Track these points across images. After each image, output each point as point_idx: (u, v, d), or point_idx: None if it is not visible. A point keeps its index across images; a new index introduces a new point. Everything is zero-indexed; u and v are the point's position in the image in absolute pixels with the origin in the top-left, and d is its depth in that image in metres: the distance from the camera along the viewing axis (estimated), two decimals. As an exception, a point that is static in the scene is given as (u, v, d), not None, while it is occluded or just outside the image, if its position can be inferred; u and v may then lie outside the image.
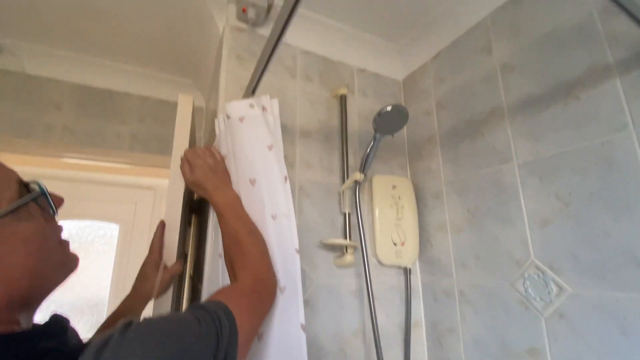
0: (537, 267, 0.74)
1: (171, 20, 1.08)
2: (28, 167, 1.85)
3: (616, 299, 0.62)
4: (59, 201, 0.38)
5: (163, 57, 1.29)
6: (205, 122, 1.46)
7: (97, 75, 1.32)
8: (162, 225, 0.73)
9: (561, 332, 0.69)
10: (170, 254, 0.71)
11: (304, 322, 0.58)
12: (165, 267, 0.69)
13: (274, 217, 0.62)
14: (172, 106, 1.47)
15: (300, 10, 1.09)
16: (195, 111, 1.47)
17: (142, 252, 2.33)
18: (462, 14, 0.99)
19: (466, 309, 0.90)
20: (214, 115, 1.10)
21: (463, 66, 0.99)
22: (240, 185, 0.67)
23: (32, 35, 1.15)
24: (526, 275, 0.76)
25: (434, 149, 1.06)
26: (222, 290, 0.48)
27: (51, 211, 0.37)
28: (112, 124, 1.31)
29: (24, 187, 0.34)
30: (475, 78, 0.94)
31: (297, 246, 0.63)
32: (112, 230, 2.36)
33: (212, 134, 1.02)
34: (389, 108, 0.80)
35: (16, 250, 0.30)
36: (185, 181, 0.70)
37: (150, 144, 1.39)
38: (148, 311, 0.68)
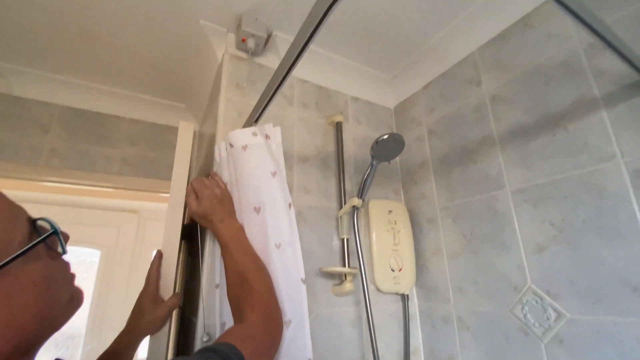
0: (535, 293, 0.75)
1: (169, 47, 1.09)
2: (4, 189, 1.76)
3: (613, 323, 0.63)
4: (66, 238, 0.37)
5: (158, 82, 1.29)
6: (197, 145, 1.45)
7: (88, 98, 1.30)
8: (159, 256, 0.71)
9: (561, 357, 0.69)
10: (167, 286, 0.68)
11: (311, 357, 0.56)
12: (162, 301, 0.66)
13: (277, 247, 0.61)
14: (164, 129, 1.47)
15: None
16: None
17: (124, 279, 2.22)
18: (450, 48, 1.05)
19: (465, 336, 0.89)
20: (208, 139, 1.10)
21: (453, 96, 1.04)
22: (243, 213, 0.66)
23: (21, 57, 1.12)
24: (524, 301, 0.77)
25: (426, 175, 1.09)
26: (231, 331, 0.46)
27: (61, 250, 0.35)
28: (102, 147, 1.28)
29: (32, 224, 0.33)
30: (465, 108, 0.99)
31: (302, 276, 0.62)
32: (92, 256, 2.25)
33: (208, 158, 1.02)
34: (385, 136, 0.82)
35: (25, 292, 0.28)
36: (190, 212, 0.69)
37: (140, 167, 1.36)
38: (143, 348, 0.64)
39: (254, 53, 1.02)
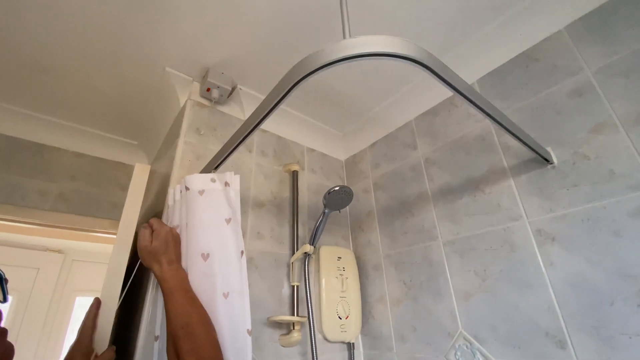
0: (465, 338, 0.82)
1: (130, 87, 1.10)
2: None
3: (528, 366, 0.71)
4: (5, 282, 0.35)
5: (112, 118, 1.27)
6: (148, 184, 1.40)
7: (27, 127, 1.22)
8: (97, 304, 0.65)
9: (489, 402, 0.75)
10: (103, 337, 0.63)
11: None
12: (96, 355, 0.60)
13: (225, 296, 0.61)
14: (111, 165, 1.41)
15: (261, 95, 1.20)
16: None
17: (37, 329, 1.90)
18: (393, 115, 1.21)
19: (407, 384, 0.92)
20: (161, 179, 1.09)
21: (394, 155, 1.18)
22: (189, 259, 0.65)
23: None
24: (457, 346, 0.83)
25: (372, 223, 1.18)
26: None
27: (2, 298, 0.33)
28: (37, 180, 1.18)
29: None
30: (404, 166, 1.13)
31: (249, 327, 0.62)
32: (-4, 303, 1.90)
33: (158, 198, 1.00)
34: (337, 188, 0.90)
35: None
36: (140, 247, 0.66)
37: (77, 204, 1.26)
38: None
39: (218, 102, 1.07)
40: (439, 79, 0.50)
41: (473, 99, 0.55)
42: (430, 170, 1.04)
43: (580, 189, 0.71)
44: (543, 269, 0.73)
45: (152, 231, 0.66)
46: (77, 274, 2.17)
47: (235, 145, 0.65)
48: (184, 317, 0.55)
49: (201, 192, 0.70)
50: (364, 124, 1.31)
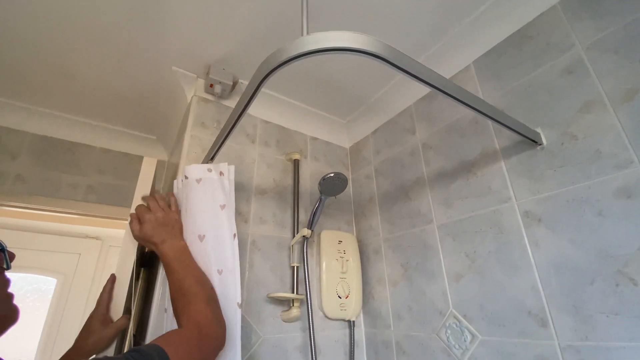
0: (455, 317, 0.85)
1: (143, 86, 1.19)
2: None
3: (514, 344, 0.73)
4: (12, 256, 0.43)
5: (130, 115, 1.38)
6: (165, 175, 1.52)
7: (59, 127, 1.36)
8: (112, 280, 0.75)
9: (476, 377, 0.78)
10: (117, 308, 0.73)
11: None
12: (111, 321, 0.70)
13: (219, 272, 0.69)
14: (134, 159, 1.53)
15: (263, 89, 1.26)
16: (158, 165, 1.54)
17: (80, 308, 2.13)
18: (393, 101, 1.22)
19: (402, 360, 0.97)
20: (173, 170, 1.18)
21: (395, 141, 1.19)
22: (189, 240, 0.73)
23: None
24: (447, 324, 0.87)
25: (374, 209, 1.21)
26: (163, 335, 0.51)
27: (5, 266, 0.41)
28: (69, 174, 1.33)
29: None
30: (404, 152, 1.14)
31: (239, 300, 0.69)
32: (47, 284, 2.16)
33: (172, 189, 1.09)
34: (331, 174, 0.94)
35: None
36: (134, 237, 0.75)
37: (106, 195, 1.40)
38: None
39: (221, 97, 1.14)
40: (403, 72, 0.52)
41: (448, 91, 0.57)
42: (427, 154, 1.05)
43: (567, 169, 0.70)
44: (529, 250, 0.74)
45: (139, 220, 0.74)
46: (113, 258, 2.39)
47: (225, 135, 0.70)
48: (180, 281, 0.62)
49: (198, 181, 0.77)
50: (366, 110, 1.32)
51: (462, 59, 1.00)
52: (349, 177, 1.39)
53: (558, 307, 0.67)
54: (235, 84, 1.15)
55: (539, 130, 0.77)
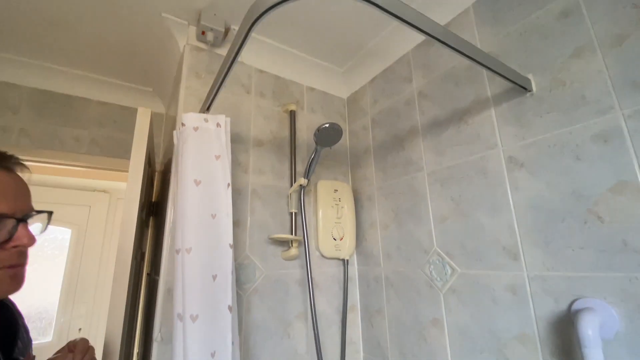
0: (438, 254, 0.94)
1: (133, 35, 1.16)
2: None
3: (487, 275, 0.82)
4: (30, 240, 0.45)
5: (124, 67, 1.36)
6: (164, 128, 1.54)
7: (56, 81, 1.35)
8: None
9: (453, 304, 0.88)
10: (126, 254, 0.81)
11: (231, 304, 0.73)
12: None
13: (213, 216, 0.76)
14: (133, 112, 1.54)
15: (256, 35, 1.24)
16: (155, 117, 1.55)
17: (96, 255, 2.30)
18: (391, 47, 1.19)
19: (390, 292, 1.08)
20: (173, 122, 1.20)
21: (391, 91, 1.19)
22: (183, 184, 0.77)
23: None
24: (431, 261, 0.96)
25: (369, 159, 1.25)
26: None
27: (6, 237, 0.43)
28: (70, 128, 1.35)
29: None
30: (399, 101, 1.15)
31: (231, 242, 0.77)
32: (63, 234, 2.30)
33: (170, 141, 1.12)
34: (326, 125, 0.97)
35: None
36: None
37: (109, 148, 1.44)
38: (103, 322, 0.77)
39: (214, 45, 1.12)
40: (394, 18, 0.52)
41: (441, 39, 0.57)
42: (422, 103, 1.06)
43: (553, 116, 0.73)
44: (509, 193, 0.79)
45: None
46: (121, 210, 2.51)
47: (219, 84, 0.71)
48: None
49: (195, 129, 0.80)
50: (364, 58, 1.30)
51: (461, 1, 0.97)
52: (346, 129, 1.41)
53: (530, 243, 0.74)
54: (227, 30, 1.12)
55: (530, 76, 0.77)
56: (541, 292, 0.71)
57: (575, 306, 0.65)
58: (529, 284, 0.73)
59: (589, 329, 0.58)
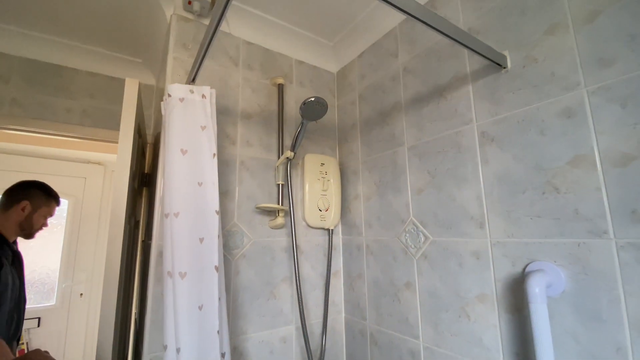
0: (414, 223, 1.00)
1: (121, 3, 1.15)
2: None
3: (456, 242, 0.88)
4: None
5: (113, 37, 1.35)
6: (155, 100, 1.55)
7: (46, 50, 1.35)
8: None
9: (425, 268, 0.96)
10: (119, 221, 0.86)
11: (217, 264, 0.79)
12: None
13: (200, 184, 0.80)
14: (123, 83, 1.54)
15: (243, 5, 1.22)
16: (145, 90, 1.55)
17: (94, 225, 2.37)
18: (379, 21, 1.19)
19: (370, 259, 1.15)
20: (160, 94, 1.22)
21: (378, 66, 1.20)
22: (171, 154, 0.80)
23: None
24: (407, 229, 1.02)
25: (355, 134, 1.29)
26: None
27: None
28: (62, 98, 1.36)
29: None
30: (386, 77, 1.16)
31: (217, 208, 0.82)
32: (61, 204, 2.35)
33: (160, 113, 1.15)
34: (312, 99, 0.99)
35: None
36: None
37: (101, 119, 1.46)
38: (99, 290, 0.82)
39: (200, 15, 1.11)
40: None
41: (420, 17, 0.59)
42: (406, 79, 1.08)
43: (523, 92, 0.76)
44: (479, 166, 0.84)
45: None
46: (118, 182, 2.55)
47: (203, 54, 0.73)
48: None
49: (181, 100, 0.83)
50: (353, 31, 1.29)
51: (448, -26, 0.96)
52: (335, 104, 1.43)
53: (494, 212, 0.79)
54: (214, 1, 1.11)
55: (506, 53, 0.80)
56: (501, 257, 0.77)
57: (528, 268, 0.72)
58: (491, 249, 0.80)
59: (536, 287, 0.65)
